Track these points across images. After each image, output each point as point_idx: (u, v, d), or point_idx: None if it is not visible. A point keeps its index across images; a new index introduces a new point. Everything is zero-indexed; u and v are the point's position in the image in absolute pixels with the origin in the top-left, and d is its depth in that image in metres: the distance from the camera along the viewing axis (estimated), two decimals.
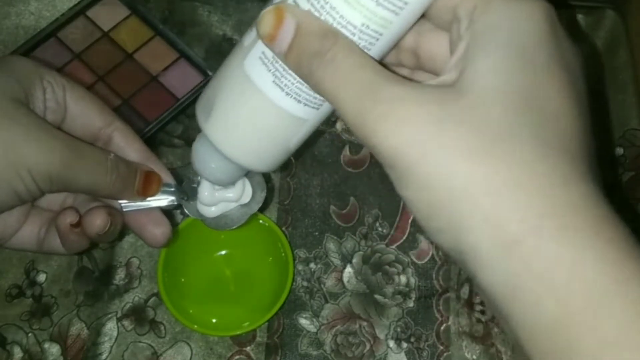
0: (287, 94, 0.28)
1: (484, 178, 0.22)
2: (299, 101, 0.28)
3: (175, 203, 0.37)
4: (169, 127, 0.56)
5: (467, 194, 0.22)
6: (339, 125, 0.56)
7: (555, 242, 0.21)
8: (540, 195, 0.22)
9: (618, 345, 0.20)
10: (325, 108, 0.29)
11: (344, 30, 0.25)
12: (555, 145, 0.22)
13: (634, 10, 0.60)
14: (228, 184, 0.36)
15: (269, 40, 0.25)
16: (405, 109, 0.23)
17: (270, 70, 0.27)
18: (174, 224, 0.37)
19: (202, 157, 0.33)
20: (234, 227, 0.38)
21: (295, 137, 0.30)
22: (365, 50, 0.26)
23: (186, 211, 0.38)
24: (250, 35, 0.28)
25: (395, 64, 0.30)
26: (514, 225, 0.22)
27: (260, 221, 0.49)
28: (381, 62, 0.27)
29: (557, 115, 0.23)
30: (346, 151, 0.56)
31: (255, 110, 0.29)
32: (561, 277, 0.21)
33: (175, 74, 0.56)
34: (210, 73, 0.56)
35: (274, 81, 0.27)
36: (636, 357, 0.20)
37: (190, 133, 0.56)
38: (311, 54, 0.25)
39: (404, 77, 0.25)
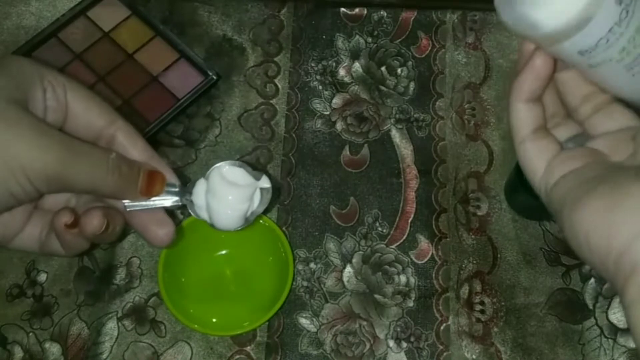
0: None
1: None
2: None
3: (180, 203, 0.37)
4: (170, 127, 0.56)
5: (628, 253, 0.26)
6: (338, 125, 0.56)
7: None
8: None
9: None
10: None
11: None
12: None
13: None
14: (241, 225, 0.38)
15: None
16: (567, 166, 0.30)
17: None
18: (175, 223, 0.37)
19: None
20: (238, 229, 0.38)
21: None
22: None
23: (190, 212, 0.37)
24: None
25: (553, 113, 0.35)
26: None
27: (261, 221, 0.49)
28: None
29: None
30: (346, 151, 0.56)
31: None
32: None
33: (176, 74, 0.56)
34: (210, 73, 0.56)
35: None
36: None
37: (191, 133, 0.56)
38: None
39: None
